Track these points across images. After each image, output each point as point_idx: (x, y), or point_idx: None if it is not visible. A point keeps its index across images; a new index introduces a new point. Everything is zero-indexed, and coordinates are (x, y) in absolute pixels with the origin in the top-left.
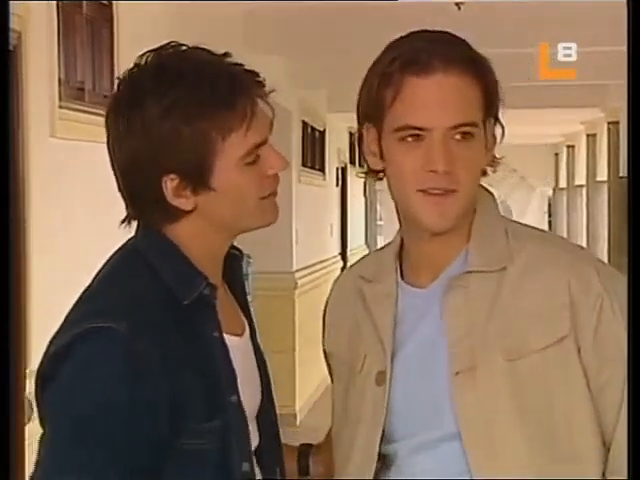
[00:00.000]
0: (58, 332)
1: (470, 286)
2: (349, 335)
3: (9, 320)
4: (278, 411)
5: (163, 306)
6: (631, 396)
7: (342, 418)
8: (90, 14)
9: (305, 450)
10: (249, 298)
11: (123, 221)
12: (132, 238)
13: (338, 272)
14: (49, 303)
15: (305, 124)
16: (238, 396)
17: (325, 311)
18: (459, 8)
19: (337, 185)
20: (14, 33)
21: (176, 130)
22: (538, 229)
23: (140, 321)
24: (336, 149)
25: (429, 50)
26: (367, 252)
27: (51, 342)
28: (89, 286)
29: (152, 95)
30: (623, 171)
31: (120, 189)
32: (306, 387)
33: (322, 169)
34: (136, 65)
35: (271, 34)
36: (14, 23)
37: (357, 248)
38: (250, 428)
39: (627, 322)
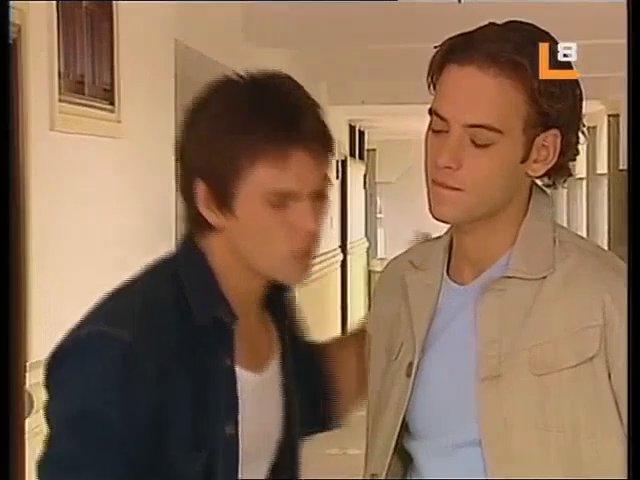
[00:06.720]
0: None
1: (507, 290)
2: (391, 320)
3: (9, 313)
4: None
5: (176, 319)
6: (631, 396)
7: (375, 404)
8: (90, 7)
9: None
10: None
11: None
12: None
13: (338, 265)
14: (49, 296)
15: None
16: (236, 429)
17: (372, 293)
18: (459, 1)
19: (337, 178)
20: (14, 26)
21: (215, 137)
22: (585, 239)
23: (144, 330)
24: (336, 142)
25: (477, 41)
26: (367, 245)
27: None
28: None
29: (217, 104)
30: (623, 164)
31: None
32: None
33: None
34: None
35: (271, 27)
36: (14, 16)
37: (357, 241)
38: (257, 465)
39: (627, 318)
